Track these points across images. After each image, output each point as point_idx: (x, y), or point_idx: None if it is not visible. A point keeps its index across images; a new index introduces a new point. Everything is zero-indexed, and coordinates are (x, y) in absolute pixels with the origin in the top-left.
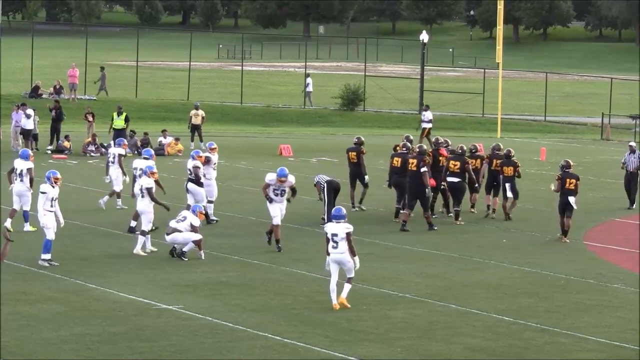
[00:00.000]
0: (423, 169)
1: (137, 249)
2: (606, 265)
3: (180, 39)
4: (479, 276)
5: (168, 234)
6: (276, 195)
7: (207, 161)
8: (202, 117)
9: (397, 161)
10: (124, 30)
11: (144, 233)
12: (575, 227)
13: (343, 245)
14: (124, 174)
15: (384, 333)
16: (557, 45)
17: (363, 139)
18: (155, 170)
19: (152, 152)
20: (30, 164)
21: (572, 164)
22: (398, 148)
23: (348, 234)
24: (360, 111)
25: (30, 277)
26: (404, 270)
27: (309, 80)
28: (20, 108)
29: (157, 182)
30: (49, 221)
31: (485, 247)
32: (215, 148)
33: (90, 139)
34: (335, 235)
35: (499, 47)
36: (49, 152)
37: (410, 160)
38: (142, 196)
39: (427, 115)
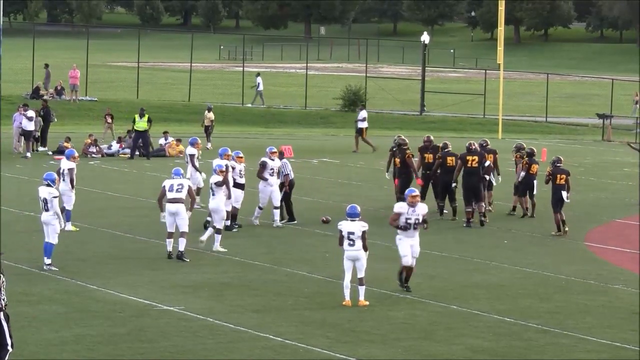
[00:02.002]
0: (487, 163)
1: (217, 246)
2: (607, 266)
3: (181, 40)
4: (480, 277)
5: (170, 213)
6: (408, 225)
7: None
8: (211, 120)
9: (452, 160)
10: (125, 31)
11: (219, 231)
12: (577, 228)
13: (359, 243)
14: (199, 171)
15: (385, 334)
16: (558, 46)
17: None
18: (224, 168)
19: (228, 150)
20: (71, 164)
21: (562, 159)
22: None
23: (364, 232)
24: None
25: (31, 278)
26: None
27: (259, 79)
28: (22, 109)
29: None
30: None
31: (486, 248)
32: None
33: (90, 140)
34: (352, 233)
35: (500, 48)
36: (50, 153)
37: (470, 158)
38: (213, 194)
39: (362, 114)
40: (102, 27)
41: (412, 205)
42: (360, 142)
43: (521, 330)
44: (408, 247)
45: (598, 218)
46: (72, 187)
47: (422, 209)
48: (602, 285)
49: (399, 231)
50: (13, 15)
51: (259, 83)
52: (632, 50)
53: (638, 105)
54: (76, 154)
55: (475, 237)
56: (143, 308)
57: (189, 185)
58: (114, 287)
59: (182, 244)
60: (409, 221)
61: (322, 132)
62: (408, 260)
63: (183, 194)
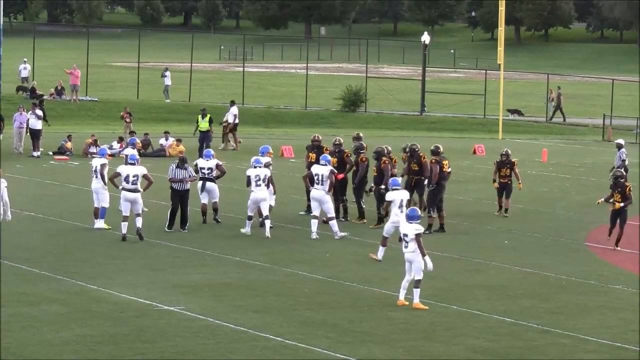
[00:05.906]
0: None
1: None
2: (607, 267)
3: (181, 40)
4: (481, 277)
5: (128, 200)
6: None
7: None
8: (234, 115)
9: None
10: (126, 31)
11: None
12: (577, 228)
13: (412, 245)
14: (272, 184)
15: (386, 334)
16: (558, 47)
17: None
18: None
19: (270, 148)
20: (104, 161)
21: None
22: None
23: (417, 235)
24: (362, 112)
25: (31, 278)
26: None
27: (167, 73)
28: (32, 108)
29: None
30: None
31: (486, 248)
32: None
33: (90, 140)
34: (406, 235)
35: (500, 48)
36: (51, 153)
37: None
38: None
39: (233, 110)
40: (102, 28)
41: None
42: (232, 137)
43: (521, 330)
44: None
45: (599, 219)
46: (104, 183)
47: None
48: (602, 285)
49: None
50: (13, 15)
51: (166, 76)
52: (632, 51)
53: (553, 103)
54: (108, 152)
55: (475, 237)
56: (143, 308)
57: (144, 174)
58: (114, 287)
59: (139, 222)
60: None
61: (323, 132)
62: None
63: (139, 185)
